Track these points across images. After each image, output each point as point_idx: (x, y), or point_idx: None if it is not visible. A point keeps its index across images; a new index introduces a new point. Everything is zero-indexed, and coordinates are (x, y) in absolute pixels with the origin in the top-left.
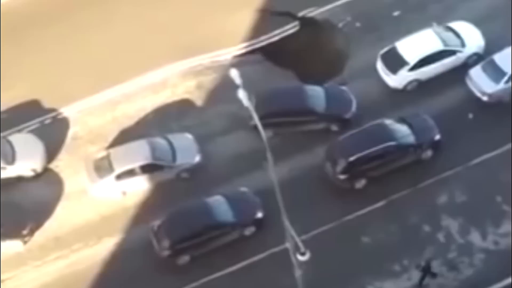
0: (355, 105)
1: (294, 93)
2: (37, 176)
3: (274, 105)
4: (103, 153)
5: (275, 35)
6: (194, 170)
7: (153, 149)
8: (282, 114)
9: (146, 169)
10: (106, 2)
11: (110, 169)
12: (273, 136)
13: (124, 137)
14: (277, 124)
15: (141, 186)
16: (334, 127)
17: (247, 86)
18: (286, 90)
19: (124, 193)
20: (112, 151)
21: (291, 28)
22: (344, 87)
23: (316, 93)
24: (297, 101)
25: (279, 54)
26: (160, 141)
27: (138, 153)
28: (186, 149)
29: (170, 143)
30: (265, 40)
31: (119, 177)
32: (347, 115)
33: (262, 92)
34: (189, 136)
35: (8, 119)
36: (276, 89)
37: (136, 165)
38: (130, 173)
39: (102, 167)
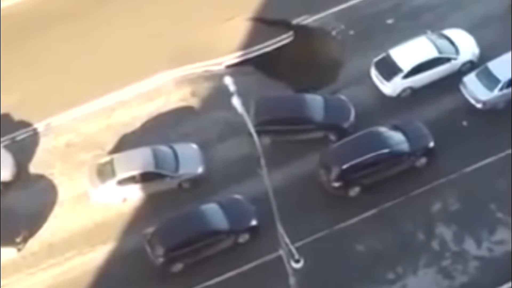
0: (353, 115)
1: (293, 101)
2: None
3: (273, 113)
4: (106, 158)
5: (269, 45)
6: (196, 180)
7: (157, 157)
8: (280, 121)
9: (147, 176)
10: (101, 11)
11: (112, 174)
12: (270, 144)
13: (119, 144)
14: (275, 132)
15: (141, 193)
16: (332, 136)
17: (242, 94)
18: (286, 98)
19: (124, 200)
20: (116, 156)
21: (285, 38)
22: (343, 97)
23: (315, 102)
24: (296, 109)
25: (272, 63)
26: (164, 149)
27: (141, 160)
28: (190, 160)
29: (175, 152)
30: (259, 49)
31: (120, 183)
32: (345, 125)
33: (261, 99)
34: (194, 146)
35: (2, 126)
36: (275, 97)
37: (138, 172)
38: (132, 179)
39: (104, 172)
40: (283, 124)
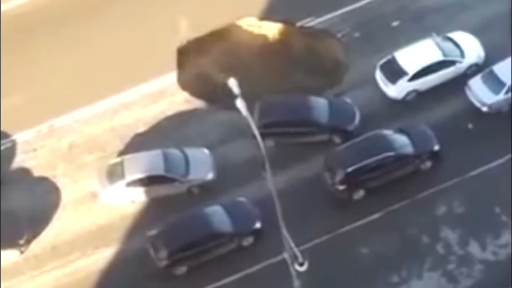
0: (358, 118)
1: (298, 104)
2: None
3: (277, 115)
4: (117, 159)
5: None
6: (206, 186)
7: (167, 161)
8: (285, 124)
9: (156, 180)
10: (104, 13)
11: (121, 175)
12: (274, 146)
13: (122, 146)
14: (279, 134)
15: (150, 196)
16: (337, 139)
17: (246, 96)
18: (290, 100)
19: (133, 201)
20: (126, 158)
21: None
22: (347, 100)
23: (319, 105)
24: (300, 112)
25: (277, 64)
26: (175, 153)
27: (151, 163)
28: (201, 165)
29: (186, 157)
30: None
31: (129, 184)
32: (350, 128)
33: (266, 102)
34: (206, 151)
35: (5, 127)
36: (279, 99)
37: (147, 175)
38: (141, 182)
39: (114, 173)
40: (288, 127)
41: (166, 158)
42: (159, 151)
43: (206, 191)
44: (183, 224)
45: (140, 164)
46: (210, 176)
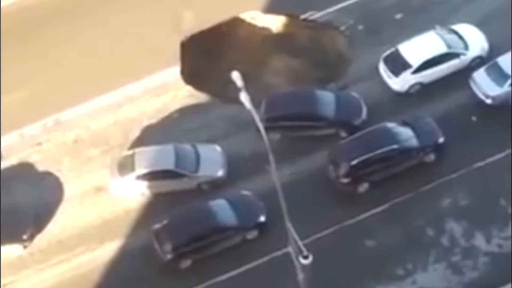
0: (365, 112)
1: (304, 97)
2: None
3: (283, 109)
4: (128, 152)
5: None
6: (216, 183)
7: (177, 156)
8: (291, 118)
9: (166, 174)
10: (107, 5)
11: (132, 168)
12: (279, 139)
13: (127, 140)
14: (286, 128)
15: (159, 190)
16: (343, 133)
17: (250, 89)
18: (296, 94)
19: (142, 195)
20: (138, 151)
21: None
22: (355, 94)
23: (326, 99)
24: (306, 105)
25: (281, 57)
26: (187, 148)
27: (161, 157)
28: (211, 161)
29: (197, 153)
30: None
31: (139, 178)
32: (357, 122)
33: (272, 95)
34: (217, 148)
35: (9, 121)
36: (286, 93)
37: (156, 169)
38: (150, 176)
39: (125, 166)
40: (294, 120)
41: (177, 153)
42: (170, 145)
43: (216, 187)
44: (187, 217)
45: (150, 158)
46: (220, 173)
